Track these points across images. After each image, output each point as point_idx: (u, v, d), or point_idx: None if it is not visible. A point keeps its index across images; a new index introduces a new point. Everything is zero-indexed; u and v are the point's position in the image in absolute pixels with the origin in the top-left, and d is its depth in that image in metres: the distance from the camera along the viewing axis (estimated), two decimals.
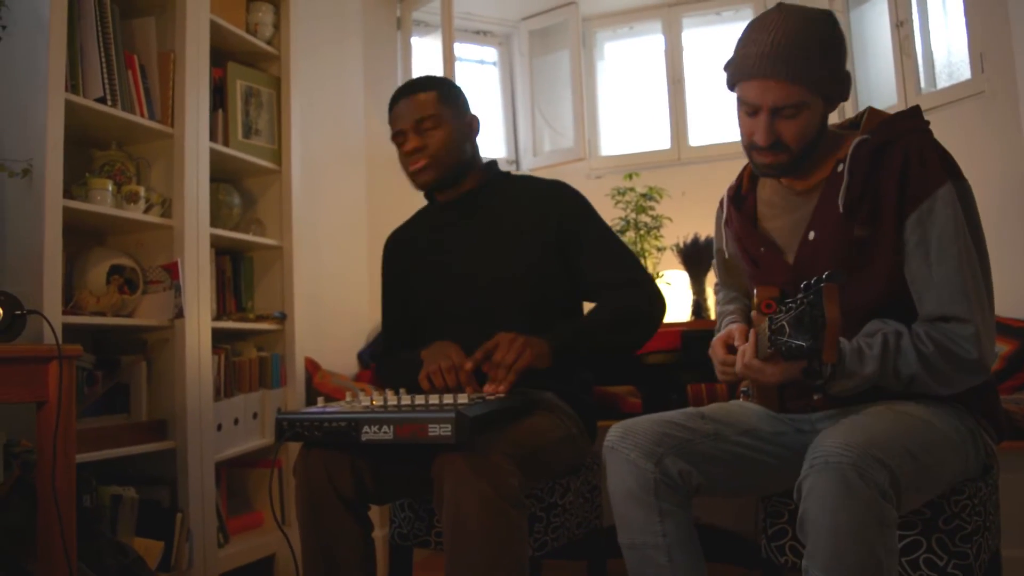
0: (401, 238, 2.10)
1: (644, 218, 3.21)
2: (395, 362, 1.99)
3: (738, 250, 1.70)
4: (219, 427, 2.41)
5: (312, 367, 2.98)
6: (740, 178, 1.72)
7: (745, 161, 1.74)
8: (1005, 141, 2.96)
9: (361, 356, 3.45)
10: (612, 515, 1.51)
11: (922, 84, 3.37)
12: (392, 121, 1.94)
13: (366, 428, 1.45)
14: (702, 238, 3.06)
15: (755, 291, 1.56)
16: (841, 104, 1.53)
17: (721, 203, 1.78)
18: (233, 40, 2.65)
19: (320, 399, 1.68)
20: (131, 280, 2.26)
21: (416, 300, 1.99)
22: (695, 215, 3.28)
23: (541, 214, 1.91)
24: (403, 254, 2.06)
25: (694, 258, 3.05)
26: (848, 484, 1.17)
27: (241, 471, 2.70)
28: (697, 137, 4.08)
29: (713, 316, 2.39)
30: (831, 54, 1.45)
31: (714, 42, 4.17)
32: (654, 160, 4.05)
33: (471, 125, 1.97)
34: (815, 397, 1.48)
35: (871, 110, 1.54)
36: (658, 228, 3.21)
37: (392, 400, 1.60)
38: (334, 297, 3.30)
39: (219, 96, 2.61)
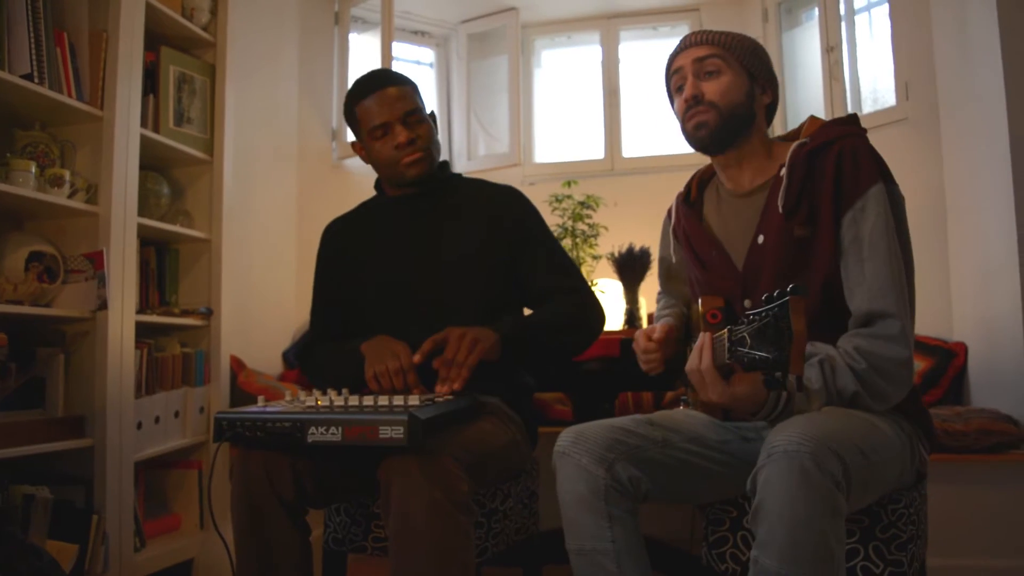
0: (343, 228, 2.03)
1: (581, 226, 3.22)
2: (328, 352, 1.90)
3: (687, 254, 1.72)
4: (139, 425, 2.31)
5: (237, 365, 2.88)
6: (689, 186, 1.75)
7: (686, 174, 1.79)
8: (926, 167, 3.09)
9: (286, 356, 3.37)
10: (549, 520, 1.49)
11: (848, 108, 3.49)
12: (372, 114, 1.84)
13: (313, 429, 1.40)
14: (636, 248, 3.09)
15: (700, 301, 1.58)
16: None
17: (669, 211, 1.81)
18: (168, 24, 2.55)
19: (260, 398, 1.62)
20: (51, 268, 2.15)
21: (355, 291, 1.93)
22: (628, 225, 3.31)
23: (494, 216, 1.90)
24: (344, 244, 2.00)
25: (628, 268, 3.08)
26: (806, 473, 1.18)
27: (158, 471, 2.59)
28: (631, 148, 4.13)
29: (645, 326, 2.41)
30: (748, 40, 1.60)
31: (650, 56, 4.24)
32: (588, 169, 4.08)
33: (434, 123, 1.94)
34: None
35: (812, 118, 1.60)
36: (595, 236, 3.23)
37: (337, 400, 1.55)
38: (261, 294, 3.21)
39: (151, 81, 2.51)
